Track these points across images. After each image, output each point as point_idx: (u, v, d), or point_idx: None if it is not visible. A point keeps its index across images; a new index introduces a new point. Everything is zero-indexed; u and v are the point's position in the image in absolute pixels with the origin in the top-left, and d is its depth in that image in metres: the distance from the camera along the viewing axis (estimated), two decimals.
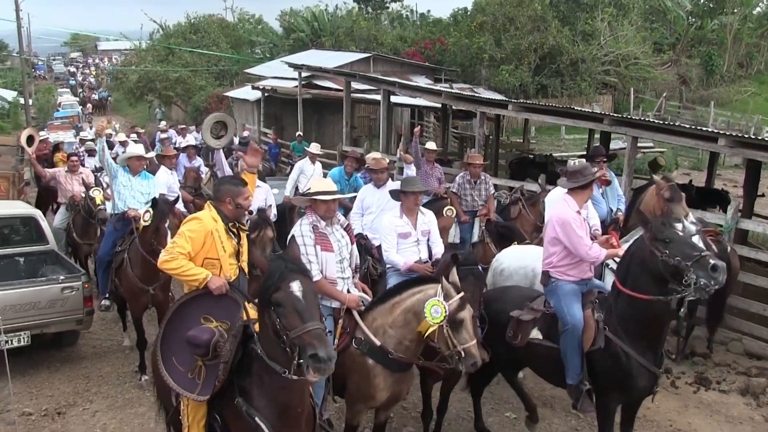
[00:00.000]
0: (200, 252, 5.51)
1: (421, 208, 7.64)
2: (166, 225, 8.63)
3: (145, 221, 8.63)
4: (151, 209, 8.63)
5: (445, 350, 5.70)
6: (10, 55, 67.75)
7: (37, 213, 11.20)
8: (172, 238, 7.14)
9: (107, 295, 9.72)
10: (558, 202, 6.93)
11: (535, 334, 6.76)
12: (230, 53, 45.42)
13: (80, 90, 66.67)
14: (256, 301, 4.91)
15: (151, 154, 10.76)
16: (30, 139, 14.39)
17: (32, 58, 65.65)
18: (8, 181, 15.14)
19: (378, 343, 5.97)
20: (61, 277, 9.56)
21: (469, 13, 44.57)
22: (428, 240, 7.57)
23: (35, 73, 73.43)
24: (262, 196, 10.31)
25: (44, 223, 10.99)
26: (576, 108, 16.67)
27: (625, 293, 6.15)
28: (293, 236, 6.01)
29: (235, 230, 5.74)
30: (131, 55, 57.31)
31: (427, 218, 7.65)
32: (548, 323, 6.68)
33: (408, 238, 7.46)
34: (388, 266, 7.69)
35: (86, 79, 74.90)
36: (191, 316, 5.26)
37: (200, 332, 5.01)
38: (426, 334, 5.75)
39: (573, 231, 6.42)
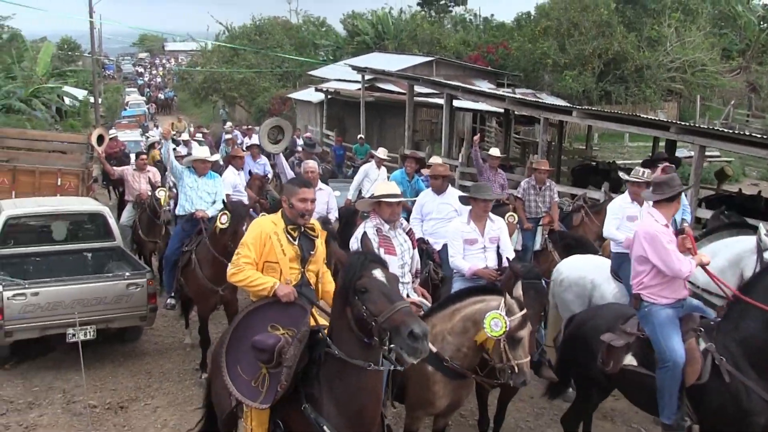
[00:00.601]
0: (261, 255, 5.47)
1: (491, 214, 7.56)
2: (244, 228, 8.65)
3: (222, 224, 8.69)
4: (227, 212, 8.69)
5: (497, 363, 5.65)
6: (82, 56, 69.39)
7: (105, 210, 11.42)
8: None
9: (173, 294, 9.83)
10: (644, 217, 6.55)
11: (629, 360, 6.26)
12: (294, 55, 45.85)
13: (147, 89, 68.06)
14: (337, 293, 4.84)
15: (216, 157, 10.86)
16: (100, 138, 14.74)
17: (102, 58, 67.27)
18: (78, 178, 15.52)
19: (434, 349, 5.88)
20: (127, 274, 9.73)
21: (532, 17, 44.19)
22: (498, 247, 7.47)
23: (104, 73, 75.13)
24: (324, 198, 10.35)
25: (111, 220, 11.21)
26: (642, 115, 16.38)
27: (762, 314, 5.57)
28: (363, 234, 5.96)
29: (295, 233, 5.54)
30: (197, 56, 58.37)
31: (497, 225, 7.54)
32: (643, 349, 6.13)
33: (474, 245, 7.38)
34: (454, 271, 7.63)
35: (153, 79, 76.42)
36: (258, 325, 5.22)
37: (266, 337, 4.96)
38: (480, 343, 5.74)
39: (662, 246, 5.90)
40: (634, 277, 6.29)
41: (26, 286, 9.06)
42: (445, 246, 9.03)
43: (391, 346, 4.32)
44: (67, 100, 39.38)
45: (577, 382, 7.16)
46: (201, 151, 10.33)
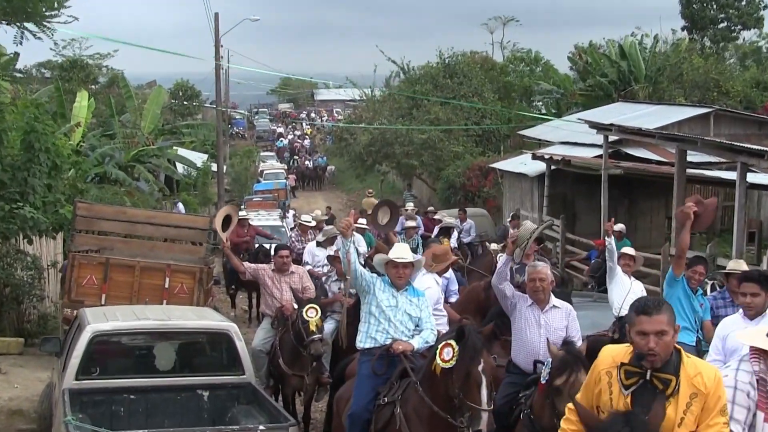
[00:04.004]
0: (592, 401, 5.53)
1: None
2: (480, 368, 8.26)
3: (444, 362, 8.32)
4: (454, 343, 8.32)
5: None
6: (202, 107, 72.70)
7: (232, 328, 11.31)
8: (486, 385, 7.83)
9: None
10: None
11: None
12: (499, 106, 45.94)
13: (287, 154, 70.33)
14: None
15: (419, 257, 10.44)
16: (226, 220, 14.62)
17: (229, 110, 70.19)
18: (194, 278, 15.69)
19: None
20: (261, 427, 9.45)
21: None
22: None
23: (232, 131, 78.52)
24: (562, 322, 9.74)
25: (240, 344, 11.08)
26: None
27: None
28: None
29: (630, 380, 5.34)
30: (361, 107, 59.49)
31: None
32: None
33: None
34: None
35: (299, 139, 79.06)
36: None
37: None
38: None
39: None
40: None
41: None
42: None
43: None
44: (180, 167, 40.75)
45: None
46: (404, 251, 9.85)
